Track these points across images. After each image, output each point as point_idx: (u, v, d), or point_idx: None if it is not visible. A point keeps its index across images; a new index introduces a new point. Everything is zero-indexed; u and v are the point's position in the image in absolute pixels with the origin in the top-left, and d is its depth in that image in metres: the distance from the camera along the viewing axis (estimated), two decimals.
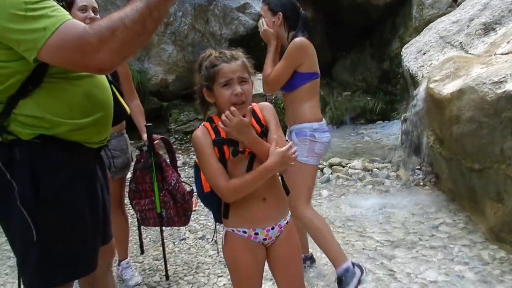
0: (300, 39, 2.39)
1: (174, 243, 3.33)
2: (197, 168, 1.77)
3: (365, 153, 5.26)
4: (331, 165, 4.70)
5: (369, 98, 7.34)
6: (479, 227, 3.15)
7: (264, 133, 1.70)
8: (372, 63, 7.64)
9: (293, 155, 1.64)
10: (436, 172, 4.04)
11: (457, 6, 5.23)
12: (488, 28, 4.18)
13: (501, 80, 2.99)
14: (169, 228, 3.42)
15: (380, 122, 6.79)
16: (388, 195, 4.01)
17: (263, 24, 2.48)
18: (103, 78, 1.62)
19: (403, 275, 2.66)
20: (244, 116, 1.61)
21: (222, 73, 1.62)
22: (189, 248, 3.22)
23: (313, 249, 2.82)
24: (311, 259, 2.80)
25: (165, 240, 2.88)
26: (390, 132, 5.98)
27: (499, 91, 2.92)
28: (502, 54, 3.58)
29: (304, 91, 2.45)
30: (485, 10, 4.36)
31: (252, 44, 6.58)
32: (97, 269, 1.62)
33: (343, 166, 4.66)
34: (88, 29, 1.29)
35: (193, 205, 2.57)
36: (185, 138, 6.64)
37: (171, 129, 6.78)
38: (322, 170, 4.64)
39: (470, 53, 4.07)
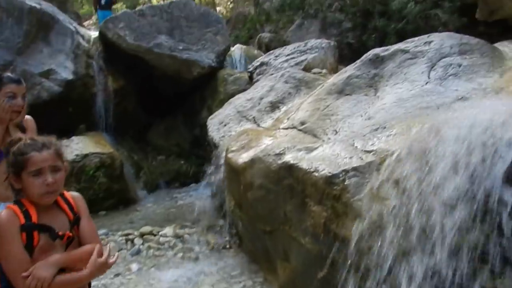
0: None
1: None
2: None
3: (178, 219, 5.37)
4: (142, 235, 4.63)
5: (182, 162, 7.63)
6: (273, 286, 3.51)
7: (76, 221, 1.69)
8: (185, 129, 8.06)
9: (111, 261, 1.67)
10: (240, 234, 4.39)
11: (252, 85, 6.05)
12: (274, 106, 4.94)
13: (281, 152, 3.53)
14: None
15: (193, 184, 7.08)
16: (198, 262, 4.14)
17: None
18: None
19: None
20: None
21: (32, 162, 1.57)
22: None
23: None
24: None
25: None
26: (202, 195, 6.28)
27: (280, 161, 3.43)
28: (284, 128, 4.26)
29: None
30: (271, 91, 5.17)
31: (56, 110, 6.22)
32: None
33: (155, 235, 4.64)
34: None
35: None
36: None
37: None
38: (132, 241, 4.53)
39: (261, 127, 4.71)
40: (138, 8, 9.07)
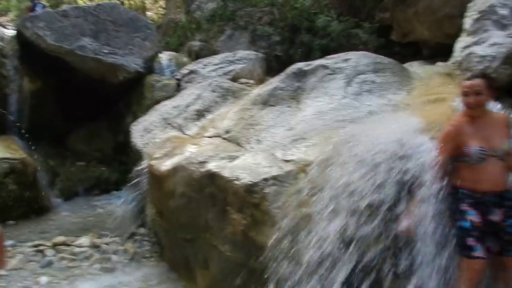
0: None
1: None
2: None
3: (96, 228, 5.11)
4: (54, 245, 4.35)
5: (104, 168, 7.30)
6: None
7: None
8: (108, 135, 7.75)
9: None
10: (160, 243, 4.30)
11: (179, 93, 5.99)
12: (200, 114, 4.93)
13: (204, 160, 3.53)
14: None
15: (115, 192, 6.79)
16: (115, 272, 3.96)
17: None
18: None
19: None
20: None
21: None
22: None
23: None
24: None
25: None
26: (123, 203, 6.05)
27: (202, 169, 3.43)
28: (209, 137, 4.26)
29: None
30: (198, 100, 5.15)
31: None
32: None
33: (69, 245, 4.38)
34: None
35: None
36: None
37: None
38: (43, 252, 4.23)
39: (186, 134, 4.67)
40: (61, 8, 8.62)
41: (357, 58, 4.19)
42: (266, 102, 4.28)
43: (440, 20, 5.19)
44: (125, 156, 7.42)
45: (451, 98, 3.18)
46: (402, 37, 6.10)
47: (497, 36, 3.31)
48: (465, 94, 2.42)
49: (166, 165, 3.89)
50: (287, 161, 3.13)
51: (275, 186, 2.94)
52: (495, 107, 2.77)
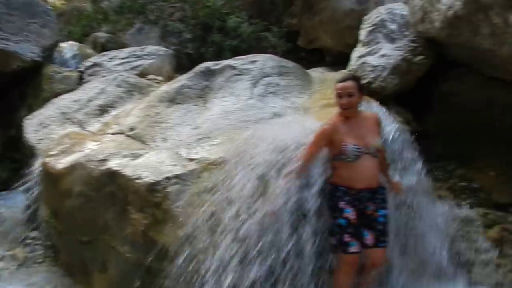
0: None
1: None
2: None
3: None
4: None
5: None
6: None
7: None
8: None
9: None
10: (54, 246, 4.01)
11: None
12: (103, 110, 4.68)
13: (105, 158, 3.38)
14: None
15: (4, 192, 6.18)
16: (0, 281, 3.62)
17: None
18: None
19: None
20: None
21: None
22: None
23: None
24: None
25: None
26: (14, 204, 5.54)
27: (102, 168, 3.28)
28: (111, 133, 4.08)
29: None
30: (102, 94, 4.90)
31: None
32: None
33: None
34: None
35: None
36: None
37: None
38: None
39: (87, 131, 4.42)
40: None
41: (263, 61, 4.32)
42: (173, 99, 4.22)
43: (342, 30, 5.55)
44: (17, 152, 6.80)
45: None
46: (307, 43, 6.41)
47: (387, 48, 3.64)
48: (339, 95, 2.62)
49: (62, 162, 3.65)
50: (191, 159, 3.13)
51: (178, 185, 2.92)
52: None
